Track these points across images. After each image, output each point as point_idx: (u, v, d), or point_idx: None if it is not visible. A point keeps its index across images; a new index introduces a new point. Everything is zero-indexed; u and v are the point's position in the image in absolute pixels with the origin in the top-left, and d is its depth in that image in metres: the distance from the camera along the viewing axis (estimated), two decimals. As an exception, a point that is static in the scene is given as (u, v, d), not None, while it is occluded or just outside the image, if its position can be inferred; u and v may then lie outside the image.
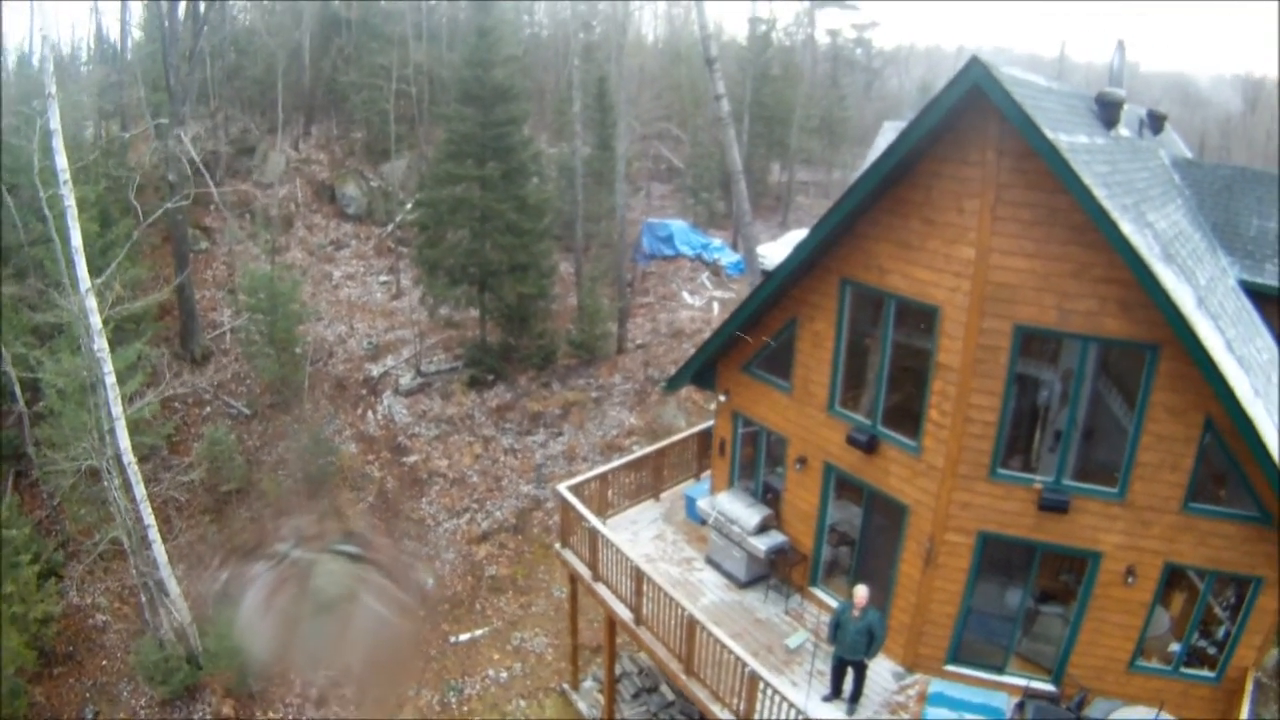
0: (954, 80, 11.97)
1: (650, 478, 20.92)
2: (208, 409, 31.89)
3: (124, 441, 20.39)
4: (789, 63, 61.14)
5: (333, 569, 25.98)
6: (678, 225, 46.40)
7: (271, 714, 22.08)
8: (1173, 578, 13.69)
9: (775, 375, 17.19)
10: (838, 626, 14.03)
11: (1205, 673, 13.97)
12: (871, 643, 13.77)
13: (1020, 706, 13.93)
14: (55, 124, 18.41)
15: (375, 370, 33.61)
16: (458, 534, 27.06)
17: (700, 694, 14.91)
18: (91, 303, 19.52)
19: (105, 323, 24.52)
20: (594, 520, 17.93)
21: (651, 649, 16.35)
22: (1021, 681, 14.49)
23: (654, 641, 16.24)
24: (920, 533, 14.47)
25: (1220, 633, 13.91)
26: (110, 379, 19.93)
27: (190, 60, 34.00)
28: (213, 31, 44.59)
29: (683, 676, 15.30)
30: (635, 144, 55.83)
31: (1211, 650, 14.01)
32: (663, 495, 20.99)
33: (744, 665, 13.57)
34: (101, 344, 19.73)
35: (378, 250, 42.27)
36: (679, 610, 15.17)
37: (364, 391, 32.65)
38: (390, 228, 42.35)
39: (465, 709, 22.15)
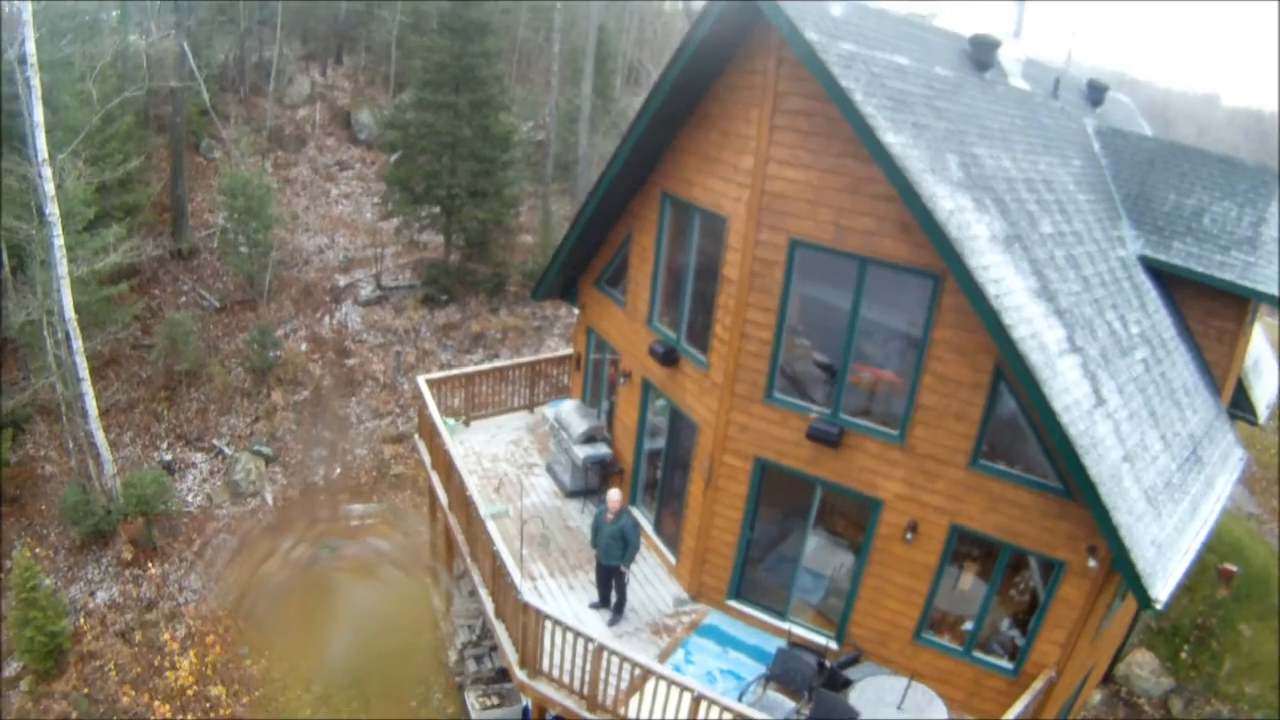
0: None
1: (526, 389, 20.11)
2: (183, 298, 31.76)
3: (67, 299, 20.63)
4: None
5: (249, 466, 25.46)
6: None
7: (166, 565, 22.09)
8: (976, 546, 11.72)
9: (616, 290, 16.19)
10: (596, 531, 13.11)
11: (1003, 663, 11.80)
12: (626, 548, 12.75)
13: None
14: (27, 16, 18.53)
15: (343, 281, 32.96)
16: (375, 434, 26.48)
17: (475, 577, 14.15)
18: (46, 171, 19.55)
19: (87, 204, 24.29)
20: (432, 408, 17.11)
21: (453, 533, 15.68)
22: (802, 630, 12.96)
23: (455, 526, 15.58)
24: (705, 453, 13.35)
25: (1034, 621, 11.52)
26: (58, 240, 20.06)
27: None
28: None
29: (468, 559, 14.56)
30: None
31: (1020, 640, 11.77)
32: (539, 409, 20.15)
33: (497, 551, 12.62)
34: (52, 209, 19.82)
35: (379, 174, 41.43)
36: (466, 494, 14.44)
37: (327, 298, 32.04)
38: (395, 155, 41.42)
39: (335, 565, 21.57)
